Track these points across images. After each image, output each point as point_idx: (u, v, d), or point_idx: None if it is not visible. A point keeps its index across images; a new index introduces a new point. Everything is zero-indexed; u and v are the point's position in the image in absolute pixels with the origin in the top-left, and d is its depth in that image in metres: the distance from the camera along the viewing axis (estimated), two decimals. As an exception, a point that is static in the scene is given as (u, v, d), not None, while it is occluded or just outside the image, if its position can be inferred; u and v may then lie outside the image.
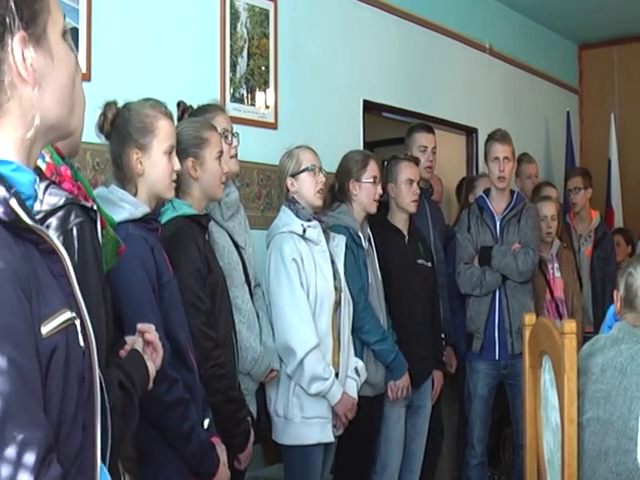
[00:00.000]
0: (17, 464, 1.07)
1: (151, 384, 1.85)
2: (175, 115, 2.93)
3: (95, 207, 1.83)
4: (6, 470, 1.06)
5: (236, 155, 3.21)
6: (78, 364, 1.23)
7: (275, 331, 3.38)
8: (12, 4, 1.17)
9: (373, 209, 3.92)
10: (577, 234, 5.76)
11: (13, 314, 1.12)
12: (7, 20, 1.17)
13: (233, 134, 3.17)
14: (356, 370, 3.61)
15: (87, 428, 1.25)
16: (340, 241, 3.67)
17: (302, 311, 3.38)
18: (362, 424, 3.63)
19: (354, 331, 3.68)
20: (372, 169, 3.90)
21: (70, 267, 1.28)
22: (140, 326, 1.87)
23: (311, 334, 3.37)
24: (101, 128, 2.50)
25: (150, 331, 1.86)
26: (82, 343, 1.25)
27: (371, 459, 3.98)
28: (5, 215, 1.16)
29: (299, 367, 3.35)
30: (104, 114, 2.48)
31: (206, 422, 2.51)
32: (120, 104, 2.52)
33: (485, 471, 4.72)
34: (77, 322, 1.24)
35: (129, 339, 1.85)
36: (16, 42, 1.18)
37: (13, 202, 1.17)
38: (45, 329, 1.17)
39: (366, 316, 3.73)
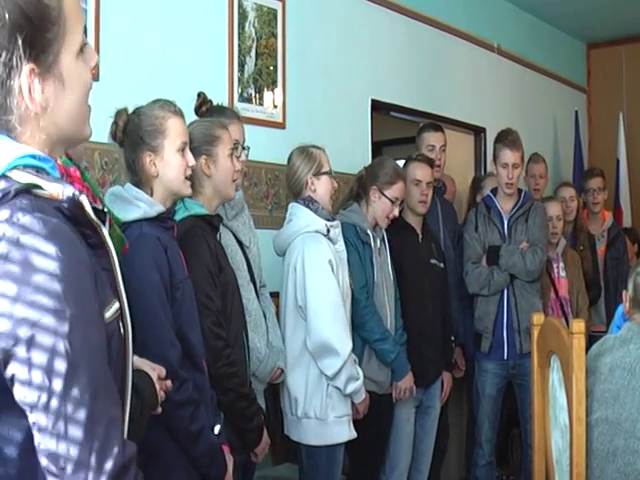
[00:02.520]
0: (108, 438, 1.16)
1: (158, 408, 1.86)
2: (189, 107, 2.95)
3: (105, 208, 1.85)
4: (99, 441, 1.15)
5: (241, 170, 3.13)
6: (120, 353, 1.31)
7: (311, 331, 3.35)
8: (20, 42, 1.20)
9: (383, 225, 3.91)
10: (590, 234, 5.75)
11: (93, 300, 1.21)
12: (14, 60, 1.20)
13: (244, 147, 3.14)
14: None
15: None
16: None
17: (341, 313, 3.40)
18: (371, 422, 3.63)
19: (355, 328, 3.68)
20: (398, 190, 3.89)
21: (116, 261, 1.35)
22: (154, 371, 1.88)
23: (349, 336, 3.41)
24: (114, 136, 2.52)
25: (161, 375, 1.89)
26: (122, 331, 1.33)
27: (381, 459, 3.98)
28: (70, 209, 1.22)
29: (340, 369, 3.35)
30: (115, 122, 2.49)
31: (217, 428, 2.50)
32: (129, 104, 2.53)
33: (493, 471, 4.71)
34: (119, 313, 1.33)
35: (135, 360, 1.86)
36: (24, 75, 1.21)
37: (83, 197, 1.24)
38: (106, 316, 1.26)
39: (367, 314, 3.72)
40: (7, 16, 1.17)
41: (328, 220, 3.49)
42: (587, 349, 2.58)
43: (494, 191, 4.72)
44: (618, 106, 7.41)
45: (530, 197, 4.77)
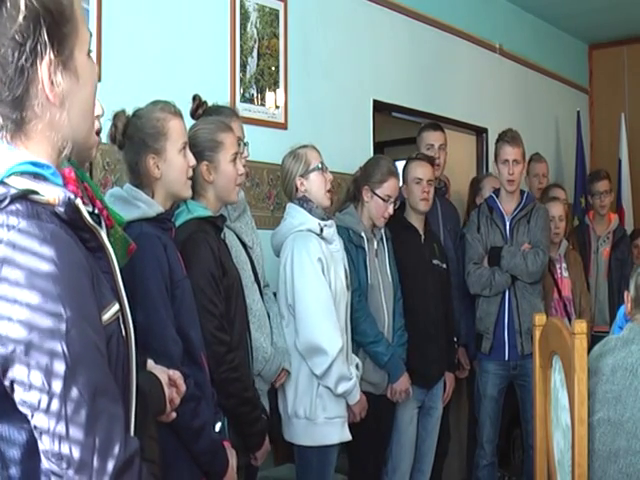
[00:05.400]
0: (109, 436, 1.17)
1: (172, 414, 1.86)
2: (189, 108, 2.95)
3: (96, 210, 1.84)
4: (100, 440, 1.16)
5: (244, 166, 3.16)
6: (122, 354, 1.32)
7: (300, 331, 3.34)
8: (43, 31, 1.23)
9: (379, 223, 3.90)
10: (596, 235, 5.76)
11: (90, 302, 1.22)
12: (39, 47, 1.23)
13: (244, 143, 3.14)
14: (356, 366, 3.59)
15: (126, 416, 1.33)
16: (339, 242, 3.65)
17: (330, 311, 3.36)
18: (371, 423, 3.63)
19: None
20: (389, 188, 3.86)
21: (115, 263, 1.37)
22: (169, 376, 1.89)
23: (339, 335, 3.36)
24: (113, 139, 2.52)
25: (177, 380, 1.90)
26: (124, 334, 1.34)
27: (382, 459, 3.97)
28: (67, 214, 1.24)
29: (329, 368, 3.33)
30: (114, 125, 2.49)
31: (217, 426, 2.50)
32: (130, 104, 2.54)
33: (495, 472, 4.71)
34: (120, 314, 1.34)
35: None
36: (44, 66, 1.25)
37: (78, 202, 1.26)
38: (104, 318, 1.27)
39: (359, 317, 3.70)
40: (32, 5, 1.21)
41: (323, 219, 3.47)
42: (590, 349, 2.58)
43: (497, 192, 4.72)
44: (620, 107, 7.40)
45: (532, 198, 4.76)
